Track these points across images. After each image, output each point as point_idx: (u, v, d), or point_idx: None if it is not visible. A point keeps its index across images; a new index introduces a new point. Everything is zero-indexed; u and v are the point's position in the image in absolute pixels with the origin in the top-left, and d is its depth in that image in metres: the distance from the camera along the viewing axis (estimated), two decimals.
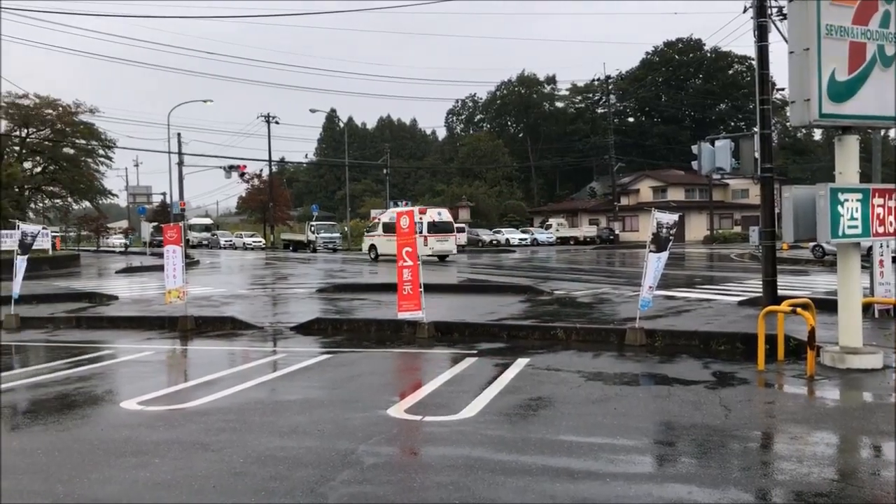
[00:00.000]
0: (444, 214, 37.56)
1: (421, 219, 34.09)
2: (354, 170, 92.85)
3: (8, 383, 8.91)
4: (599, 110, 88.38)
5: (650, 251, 10.61)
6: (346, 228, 65.20)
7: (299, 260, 42.17)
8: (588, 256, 40.05)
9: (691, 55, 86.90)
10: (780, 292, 13.53)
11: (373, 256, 37.95)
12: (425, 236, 34.05)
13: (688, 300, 15.62)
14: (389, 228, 35.23)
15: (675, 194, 66.51)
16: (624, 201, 67.69)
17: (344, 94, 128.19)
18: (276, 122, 69.13)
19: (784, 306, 9.13)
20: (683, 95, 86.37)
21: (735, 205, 67.66)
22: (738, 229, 63.10)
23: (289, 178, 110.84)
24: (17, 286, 14.65)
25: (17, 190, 43.88)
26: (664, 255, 10.74)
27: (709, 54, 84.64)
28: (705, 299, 15.77)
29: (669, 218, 10.73)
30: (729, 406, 7.03)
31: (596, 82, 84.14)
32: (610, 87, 78.39)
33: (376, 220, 40.50)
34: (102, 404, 7.86)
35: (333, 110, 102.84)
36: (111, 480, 5.15)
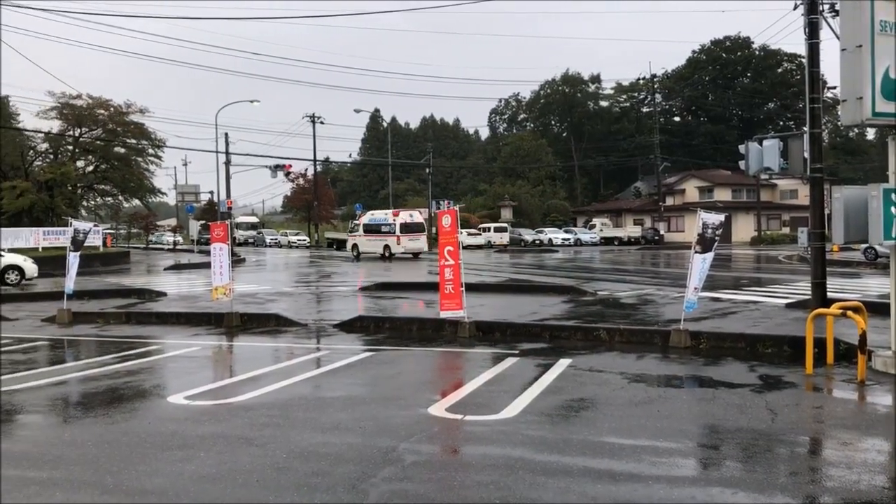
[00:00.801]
0: (416, 216, 41.03)
1: (394, 220, 39.04)
2: (397, 169, 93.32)
3: (60, 376, 9.17)
4: (645, 109, 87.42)
5: (696, 252, 10.46)
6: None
7: (342, 258, 42.50)
8: (632, 257, 39.63)
9: (739, 53, 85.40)
10: (829, 295, 13.26)
11: (355, 254, 40.86)
12: (398, 236, 38.25)
13: (734, 302, 15.37)
14: (369, 229, 40.70)
15: (722, 194, 65.45)
16: (669, 201, 66.80)
17: (388, 94, 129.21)
18: (321, 122, 69.80)
19: (834, 309, 8.93)
20: (731, 94, 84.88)
21: (783, 205, 66.32)
22: (786, 230, 61.84)
23: (333, 178, 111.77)
24: (70, 282, 15.04)
25: (70, 188, 45.04)
26: (710, 256, 10.58)
27: (757, 52, 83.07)
28: (752, 301, 15.50)
29: (716, 218, 10.57)
30: (775, 410, 6.90)
31: (641, 81, 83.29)
32: (655, 86, 77.55)
33: (358, 223, 43.96)
34: (150, 398, 8.03)
35: (377, 110, 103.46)
36: (158, 473, 5.26)
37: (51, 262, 31.75)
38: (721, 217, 10.68)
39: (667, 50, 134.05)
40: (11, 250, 25.78)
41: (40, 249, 35.97)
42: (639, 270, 28.01)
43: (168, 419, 6.88)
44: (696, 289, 10.49)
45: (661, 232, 61.37)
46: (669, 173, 71.32)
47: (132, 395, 8.05)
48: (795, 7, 13.96)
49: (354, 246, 41.64)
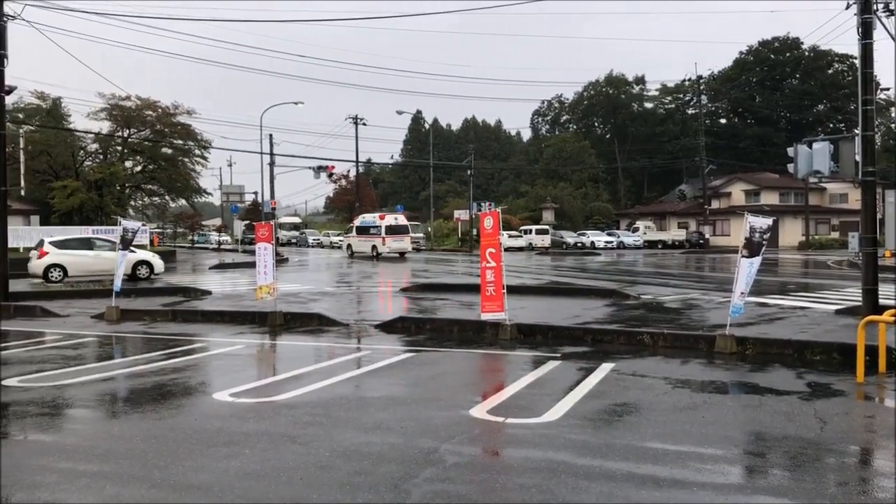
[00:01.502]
0: (400, 219, 44.93)
1: (380, 223, 42.89)
2: (439, 171, 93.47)
3: (108, 372, 9.37)
4: (690, 111, 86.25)
5: (742, 256, 10.29)
6: (429, 229, 65.71)
7: (384, 259, 42.71)
8: (676, 261, 39.14)
9: (788, 54, 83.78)
10: (881, 301, 12.93)
11: (349, 254, 45.34)
12: (383, 237, 41.88)
13: (781, 308, 15.08)
14: (360, 231, 44.74)
15: (769, 198, 64.28)
16: (715, 204, 65.81)
17: (430, 95, 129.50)
18: (364, 124, 70.25)
19: (886, 316, 8.71)
20: (779, 96, 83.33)
21: (833, 210, 64.92)
22: (835, 235, 60.50)
23: (375, 179, 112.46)
24: (118, 280, 15.36)
25: (118, 188, 46.07)
26: (757, 260, 10.40)
27: (807, 53, 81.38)
28: (800, 307, 15.19)
29: (763, 222, 10.38)
30: (825, 419, 6.75)
31: (687, 82, 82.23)
32: (701, 88, 76.35)
33: (352, 225, 48.10)
34: (196, 395, 8.17)
35: (419, 111, 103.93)
36: (204, 469, 5.34)
37: None
38: (769, 221, 10.50)
39: (713, 51, 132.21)
40: (137, 247, 27.21)
41: None
42: (683, 274, 27.64)
43: (213, 416, 6.98)
44: (742, 293, 10.32)
45: (706, 235, 60.42)
46: (715, 176, 70.28)
47: (179, 392, 8.20)
48: (848, 7, 13.65)
49: (349, 246, 46.28)
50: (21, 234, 34.81)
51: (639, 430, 6.36)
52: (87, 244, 26.11)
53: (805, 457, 5.65)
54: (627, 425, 6.61)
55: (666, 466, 5.37)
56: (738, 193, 67.10)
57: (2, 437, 6.48)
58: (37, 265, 24.62)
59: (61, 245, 25.37)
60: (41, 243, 24.68)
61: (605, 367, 9.18)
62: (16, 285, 19.77)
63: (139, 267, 25.49)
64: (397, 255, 42.14)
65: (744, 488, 5.07)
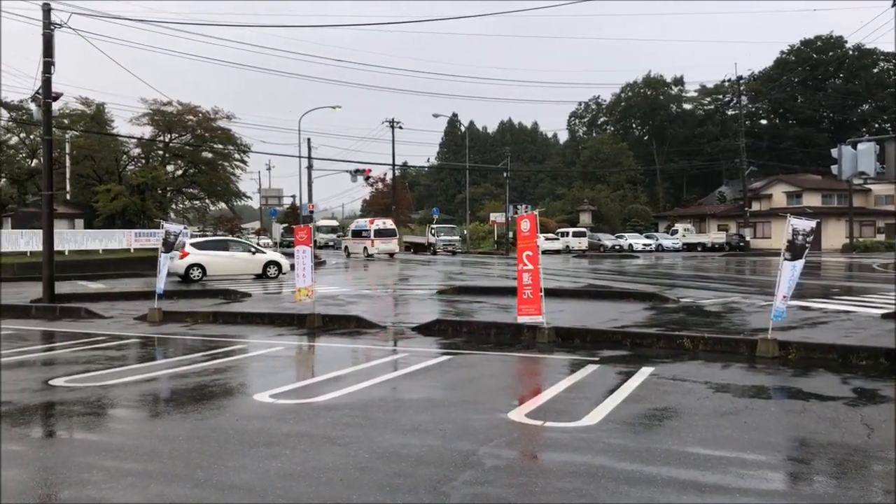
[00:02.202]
0: (388, 223, 49.10)
1: (370, 227, 47.59)
2: (475, 173, 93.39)
3: (151, 373, 9.54)
4: (730, 112, 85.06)
5: (785, 259, 10.13)
6: (465, 231, 65.70)
7: (419, 262, 42.86)
8: (716, 263, 38.62)
9: (831, 53, 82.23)
10: None
11: (346, 254, 50.72)
12: (372, 239, 46.64)
13: (824, 311, 14.80)
14: (355, 234, 50.49)
15: (811, 200, 63.13)
16: (755, 206, 64.76)
17: (466, 98, 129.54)
18: (400, 127, 70.60)
19: None
20: (822, 96, 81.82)
21: (878, 211, 63.49)
22: (881, 238, 59.18)
23: (411, 182, 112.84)
24: (161, 282, 15.63)
25: (160, 191, 46.87)
26: (800, 263, 10.23)
27: (851, 52, 79.84)
28: (844, 311, 14.89)
29: (806, 224, 10.21)
30: (871, 425, 6.61)
31: (726, 83, 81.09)
32: (741, 88, 75.30)
33: (350, 228, 54.63)
34: (237, 396, 8.28)
35: (455, 114, 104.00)
36: (245, 469, 5.41)
37: (142, 263, 33.09)
38: (812, 223, 10.32)
39: (753, 51, 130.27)
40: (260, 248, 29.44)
41: (132, 250, 37.54)
42: (723, 277, 27.27)
43: (254, 417, 7.07)
44: (784, 297, 10.15)
45: (747, 238, 59.56)
46: (755, 178, 69.19)
47: (220, 393, 8.31)
48: (894, 4, 13.38)
49: (346, 247, 52.41)
50: (66, 238, 35.57)
51: (679, 435, 6.29)
52: (223, 245, 27.93)
53: (851, 464, 5.54)
54: (668, 430, 6.54)
55: (707, 472, 5.31)
56: (779, 195, 66.00)
57: (50, 435, 6.65)
58: (179, 265, 25.66)
59: (200, 246, 27.04)
60: (183, 245, 25.94)
61: (645, 371, 9.10)
62: (61, 287, 20.15)
63: (269, 267, 27.06)
64: (387, 256, 46.91)
65: (788, 495, 4.99)
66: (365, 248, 46.70)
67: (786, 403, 7.65)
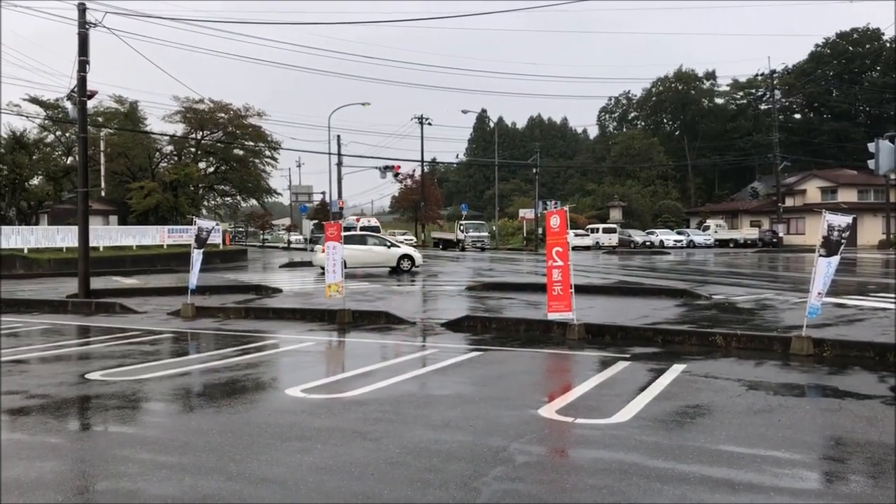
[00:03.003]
0: (373, 221, 56.28)
1: (357, 224, 51.48)
2: (503, 169, 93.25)
3: (185, 367, 9.66)
4: (763, 106, 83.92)
5: (820, 255, 9.98)
6: (494, 227, 65.65)
7: (448, 258, 42.91)
8: (749, 260, 38.15)
9: (868, 46, 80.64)
10: None
11: None
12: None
13: (860, 308, 14.55)
14: (346, 229, 51.60)
15: (847, 195, 62.03)
16: (789, 202, 63.84)
17: (495, 94, 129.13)
18: (429, 124, 70.70)
19: None
20: (858, 90, 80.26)
21: None
22: None
23: (439, 178, 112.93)
24: (193, 278, 15.82)
25: (192, 188, 47.40)
26: (835, 259, 10.07)
27: (888, 44, 78.24)
28: (881, 308, 14.63)
29: (842, 220, 10.04)
30: None
31: (759, 77, 79.91)
32: (775, 82, 74.21)
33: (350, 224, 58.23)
34: (269, 390, 8.36)
35: (484, 110, 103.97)
36: (278, 463, 5.46)
37: (174, 259, 33.55)
38: (848, 219, 10.15)
39: (787, 45, 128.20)
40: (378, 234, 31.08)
41: (165, 246, 38.03)
42: (756, 274, 26.94)
43: (286, 411, 7.13)
44: (819, 294, 10.00)
45: (780, 234, 58.74)
46: (789, 173, 68.22)
47: (252, 387, 8.40)
48: None
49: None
50: (101, 234, 36.12)
51: (712, 433, 6.23)
52: (362, 239, 29.23)
53: (889, 463, 5.44)
54: (700, 427, 6.48)
55: (741, 470, 5.25)
56: (813, 191, 64.97)
57: (87, 428, 6.77)
58: (321, 258, 26.56)
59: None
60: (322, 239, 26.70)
61: (677, 369, 9.02)
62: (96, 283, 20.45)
63: (402, 260, 28.17)
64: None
65: (824, 494, 4.91)
66: None
67: (821, 402, 7.54)
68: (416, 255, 29.10)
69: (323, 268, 26.38)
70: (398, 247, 29.71)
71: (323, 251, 26.81)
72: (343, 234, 29.33)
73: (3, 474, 5.23)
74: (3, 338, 12.68)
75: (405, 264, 28.11)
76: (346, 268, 26.27)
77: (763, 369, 9.11)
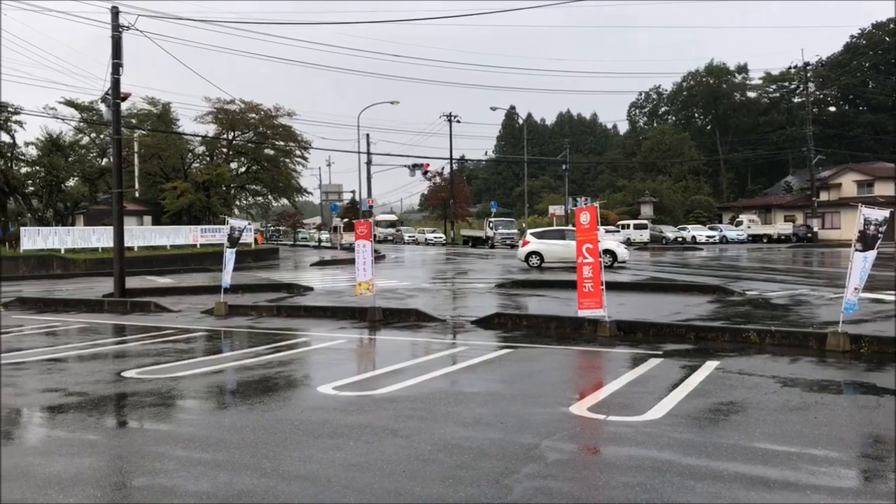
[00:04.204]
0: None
1: (343, 222, 57.62)
2: (533, 166, 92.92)
3: (218, 365, 9.77)
4: (796, 99, 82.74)
5: (856, 250, 9.81)
6: (523, 225, 65.44)
7: (478, 255, 42.87)
8: (783, 255, 37.63)
9: None
10: None
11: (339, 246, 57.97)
12: (341, 233, 55.49)
13: None
14: (346, 228, 56.12)
15: (884, 189, 60.81)
16: (823, 196, 62.79)
17: (523, 90, 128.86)
18: (458, 121, 70.69)
19: None
20: (894, 81, 78.71)
21: None
22: None
23: (468, 176, 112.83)
24: (227, 276, 15.99)
25: (224, 188, 47.86)
26: (871, 254, 9.89)
27: None
28: None
29: (879, 214, 9.87)
30: None
31: (793, 70, 78.62)
32: (809, 75, 73.04)
33: (335, 225, 63.58)
34: (301, 388, 8.43)
35: (513, 107, 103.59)
36: (311, 459, 5.50)
37: (207, 258, 33.92)
38: (885, 213, 9.97)
39: (821, 37, 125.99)
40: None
41: (198, 246, 38.46)
42: (790, 269, 26.56)
43: (318, 408, 7.18)
44: (856, 289, 9.84)
45: (815, 229, 57.80)
46: (823, 167, 67.10)
47: (285, 385, 8.48)
48: None
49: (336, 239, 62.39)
50: (135, 234, 36.63)
51: (746, 430, 6.16)
52: (560, 234, 28.73)
53: None
54: (734, 425, 6.41)
55: (776, 468, 5.19)
56: (849, 185, 63.85)
57: (123, 425, 6.89)
58: (521, 252, 28.37)
59: (539, 235, 28.90)
60: (524, 233, 28.05)
61: (710, 365, 8.93)
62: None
63: (603, 255, 25.62)
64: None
65: (862, 493, 4.83)
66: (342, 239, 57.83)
67: (858, 399, 7.42)
68: (620, 250, 27.62)
69: (525, 259, 27.47)
70: (599, 241, 27.71)
71: (523, 244, 28.18)
72: (540, 229, 30.01)
73: (43, 470, 5.34)
74: (41, 336, 12.93)
75: (605, 260, 24.46)
76: (542, 262, 27.24)
77: (798, 366, 8.98)
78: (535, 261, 27.78)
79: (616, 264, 26.76)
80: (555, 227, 32.71)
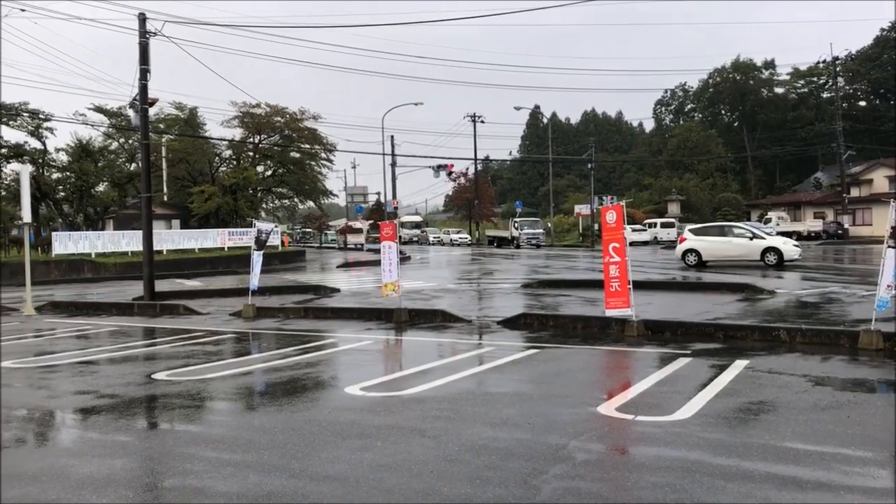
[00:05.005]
0: (356, 224, 67.15)
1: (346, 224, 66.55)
2: (558, 165, 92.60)
3: (247, 367, 9.85)
4: (825, 95, 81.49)
5: (888, 246, 9.65)
6: (549, 224, 65.21)
7: (503, 256, 42.80)
8: (813, 253, 37.11)
9: None
10: None
11: (340, 245, 65.97)
12: (346, 235, 64.49)
13: None
14: (346, 230, 66.17)
15: None
16: (854, 193, 61.84)
17: (548, 90, 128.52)
18: (482, 122, 70.65)
19: None
20: None
21: None
22: None
23: (493, 176, 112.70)
24: (254, 279, 16.12)
25: (251, 191, 48.24)
26: None
27: None
28: None
29: None
30: None
31: (821, 64, 77.46)
32: (838, 69, 71.97)
33: (342, 227, 71.66)
34: (329, 389, 8.47)
35: (537, 107, 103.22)
36: (339, 460, 5.53)
37: (235, 261, 34.21)
38: None
39: (850, 31, 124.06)
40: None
41: (226, 249, 38.82)
42: (820, 267, 26.19)
43: (346, 409, 7.21)
44: (889, 286, 9.68)
45: (845, 225, 56.97)
46: (854, 162, 66.08)
47: (313, 386, 8.52)
48: None
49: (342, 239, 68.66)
50: (164, 238, 37.05)
51: (777, 430, 6.09)
52: (720, 231, 27.84)
53: None
54: (764, 424, 6.34)
55: (808, 468, 5.12)
56: (880, 180, 62.77)
57: (154, 427, 6.97)
58: (677, 250, 27.34)
59: (698, 232, 27.72)
60: (682, 230, 27.55)
61: (739, 365, 8.84)
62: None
63: (767, 254, 25.05)
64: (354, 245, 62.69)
65: None
66: (345, 240, 65.31)
67: (892, 397, 7.29)
68: (787, 247, 25.17)
69: (682, 256, 26.50)
70: (763, 238, 25.96)
71: (680, 241, 27.25)
72: (698, 226, 29.12)
73: (78, 471, 5.43)
74: (73, 339, 13.13)
75: (770, 258, 24.59)
76: (700, 260, 26.24)
77: (830, 365, 8.86)
78: (692, 259, 26.24)
79: (785, 262, 24.63)
80: (715, 224, 31.38)
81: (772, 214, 63.08)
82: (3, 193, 41.14)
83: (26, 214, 18.65)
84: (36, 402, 7.98)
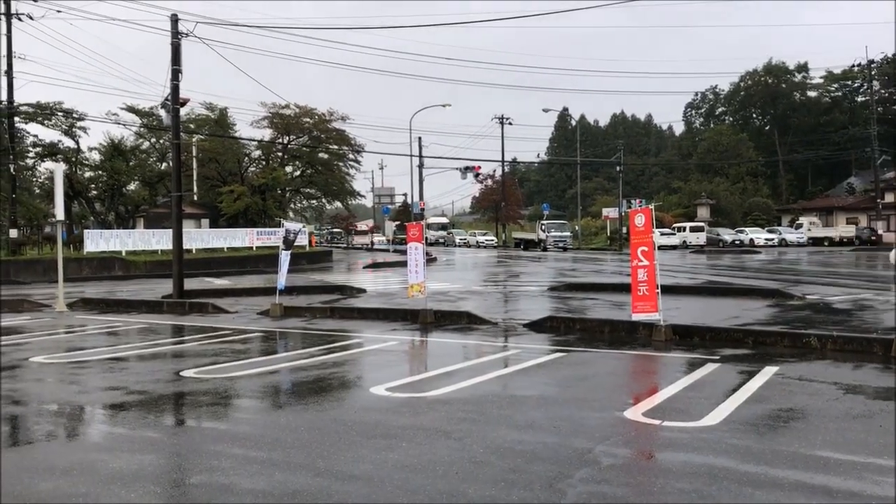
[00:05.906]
0: (361, 226, 75.90)
1: (351, 229, 74.52)
2: (586, 168, 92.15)
3: (274, 365, 9.92)
4: (860, 98, 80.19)
5: None
6: (576, 227, 64.94)
7: (530, 258, 42.68)
8: (845, 259, 36.58)
9: None
10: None
11: (346, 246, 72.19)
12: (353, 237, 73.71)
13: None
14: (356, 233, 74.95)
15: None
16: (888, 198, 60.74)
17: (576, 92, 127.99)
18: (510, 123, 70.53)
19: None
20: None
21: None
22: None
23: (520, 178, 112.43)
24: (282, 278, 16.23)
25: (280, 192, 48.61)
26: None
27: None
28: None
29: None
30: None
31: (856, 68, 76.17)
32: (873, 73, 70.77)
33: (353, 230, 77.73)
34: (354, 388, 8.51)
35: (565, 109, 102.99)
36: (363, 460, 5.55)
37: (263, 260, 34.47)
38: None
39: (886, 33, 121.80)
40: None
41: (254, 248, 39.14)
42: (853, 273, 25.81)
43: (371, 409, 7.23)
44: None
45: (879, 231, 56.01)
46: (888, 168, 64.98)
47: (339, 385, 8.56)
48: None
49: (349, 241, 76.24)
50: (193, 237, 37.42)
51: (807, 438, 6.00)
52: None
53: None
54: (794, 432, 6.25)
55: (839, 477, 5.04)
56: None
57: (182, 424, 7.04)
58: (892, 255, 23.28)
59: None
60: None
61: (768, 371, 8.73)
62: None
63: None
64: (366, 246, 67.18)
65: None
66: (350, 242, 73.35)
67: None
68: None
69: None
70: None
71: None
72: None
73: (107, 466, 5.50)
74: (104, 336, 13.31)
75: None
76: None
77: (862, 372, 8.72)
78: None
79: None
80: None
81: (803, 219, 62.27)
82: (38, 191, 41.84)
83: (59, 212, 18.93)
84: (67, 398, 8.10)
